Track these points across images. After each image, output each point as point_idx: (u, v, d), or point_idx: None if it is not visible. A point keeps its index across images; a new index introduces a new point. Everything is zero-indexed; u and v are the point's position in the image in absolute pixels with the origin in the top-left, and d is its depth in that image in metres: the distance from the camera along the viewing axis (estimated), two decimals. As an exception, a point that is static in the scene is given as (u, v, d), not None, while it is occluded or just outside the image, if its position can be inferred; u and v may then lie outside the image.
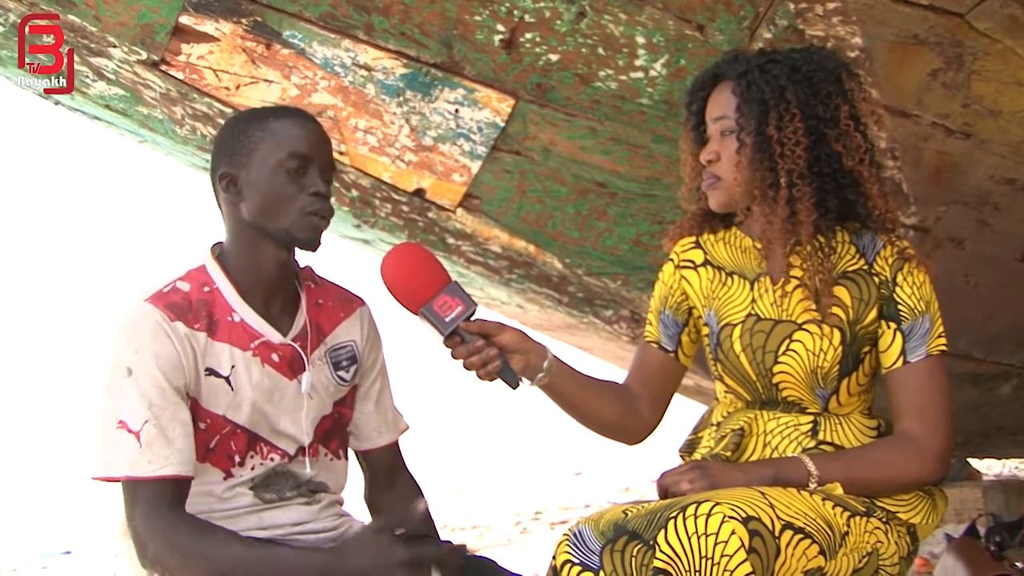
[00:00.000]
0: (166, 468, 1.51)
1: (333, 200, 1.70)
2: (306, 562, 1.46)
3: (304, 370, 1.66)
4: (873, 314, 1.66)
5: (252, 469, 1.63)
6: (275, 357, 1.64)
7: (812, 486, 1.59)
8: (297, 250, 1.67)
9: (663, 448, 2.44)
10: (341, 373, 1.72)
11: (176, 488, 1.53)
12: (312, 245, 1.65)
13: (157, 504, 1.50)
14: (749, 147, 1.66)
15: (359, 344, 1.76)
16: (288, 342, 1.66)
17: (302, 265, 1.74)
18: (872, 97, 1.76)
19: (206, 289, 1.63)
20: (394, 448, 1.82)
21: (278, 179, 1.61)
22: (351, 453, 1.80)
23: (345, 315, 1.76)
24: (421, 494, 1.83)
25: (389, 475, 1.82)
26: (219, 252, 1.68)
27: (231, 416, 1.60)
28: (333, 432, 1.72)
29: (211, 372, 1.59)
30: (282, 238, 1.62)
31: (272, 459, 1.64)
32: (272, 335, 1.64)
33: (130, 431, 1.51)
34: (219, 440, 1.60)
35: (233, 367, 1.60)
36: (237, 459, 1.61)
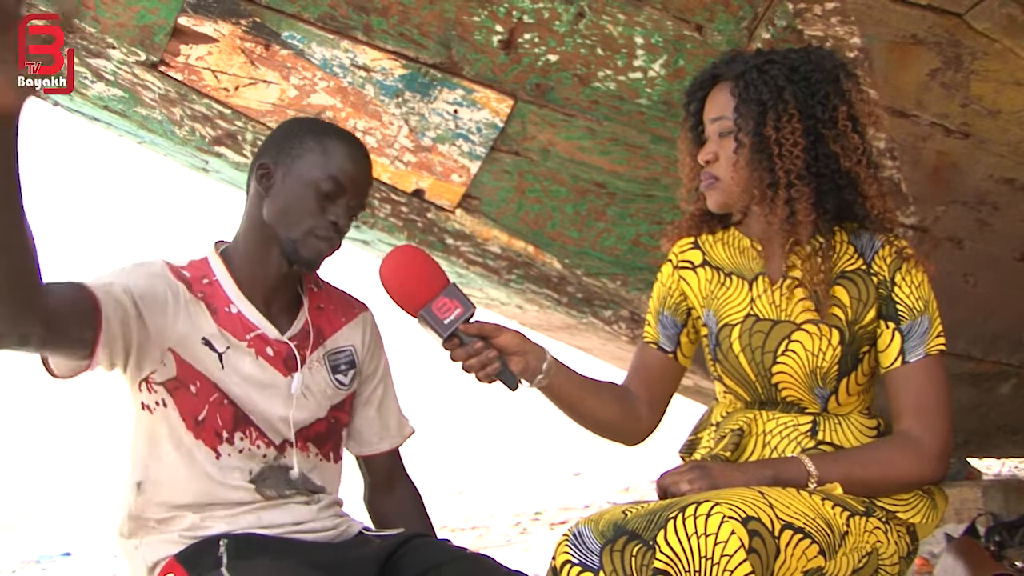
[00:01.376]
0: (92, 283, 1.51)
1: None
2: None
3: (297, 368, 1.66)
4: (872, 314, 1.66)
5: (241, 452, 1.62)
6: (270, 351, 1.65)
7: (812, 486, 1.58)
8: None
9: (663, 448, 2.44)
10: (339, 377, 1.72)
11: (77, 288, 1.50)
12: (310, 267, 1.66)
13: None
14: (747, 147, 1.66)
15: (359, 349, 1.76)
16: (284, 340, 1.66)
17: None
18: (870, 97, 1.76)
19: (205, 281, 1.64)
20: (394, 454, 1.82)
21: (308, 193, 1.62)
22: (349, 457, 1.80)
23: (347, 320, 1.76)
24: (420, 499, 1.83)
25: (388, 480, 1.82)
26: (223, 248, 1.69)
27: (220, 384, 1.61)
28: (327, 435, 1.72)
29: (207, 343, 1.61)
30: (287, 249, 1.63)
31: (258, 445, 1.63)
32: (268, 329, 1.65)
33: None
34: (208, 410, 1.60)
35: (228, 348, 1.62)
36: (225, 435, 1.61)
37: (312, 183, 1.62)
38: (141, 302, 1.55)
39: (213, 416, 1.60)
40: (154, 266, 1.63)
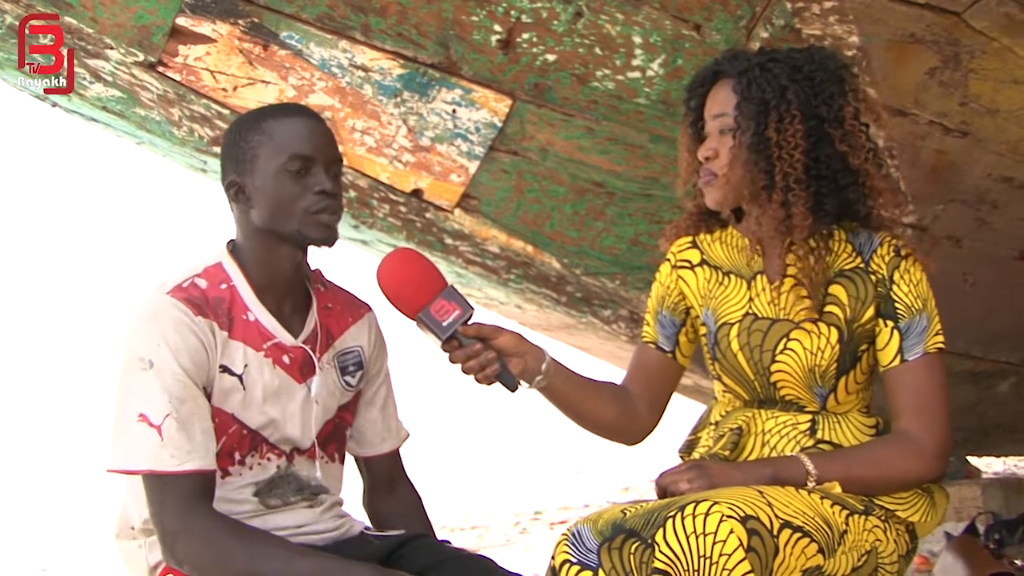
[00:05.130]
0: (189, 463, 1.50)
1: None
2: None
3: (314, 373, 1.66)
4: (870, 312, 1.66)
5: (251, 469, 1.62)
6: (286, 359, 1.64)
7: (810, 485, 1.59)
8: (313, 249, 1.66)
9: (662, 448, 2.44)
10: (347, 378, 1.72)
11: (205, 483, 1.52)
12: (327, 242, 1.63)
13: (190, 501, 1.49)
14: (746, 147, 1.66)
15: (366, 350, 1.75)
16: (299, 344, 1.65)
17: (313, 268, 1.74)
18: (871, 97, 1.76)
19: (223, 286, 1.62)
20: (395, 455, 1.82)
21: (282, 182, 1.59)
22: (349, 458, 1.80)
23: (353, 320, 1.75)
24: (420, 500, 1.83)
25: (389, 482, 1.82)
26: (233, 248, 1.67)
27: (239, 415, 1.60)
28: (333, 435, 1.72)
29: (225, 369, 1.59)
30: (296, 239, 1.62)
31: (269, 459, 1.64)
32: (284, 337, 1.64)
33: (151, 424, 1.50)
34: (225, 440, 1.60)
35: (246, 366, 1.60)
36: (237, 456, 1.61)
37: (280, 171, 1.59)
38: (192, 373, 1.54)
39: (229, 444, 1.61)
40: (165, 315, 1.55)
